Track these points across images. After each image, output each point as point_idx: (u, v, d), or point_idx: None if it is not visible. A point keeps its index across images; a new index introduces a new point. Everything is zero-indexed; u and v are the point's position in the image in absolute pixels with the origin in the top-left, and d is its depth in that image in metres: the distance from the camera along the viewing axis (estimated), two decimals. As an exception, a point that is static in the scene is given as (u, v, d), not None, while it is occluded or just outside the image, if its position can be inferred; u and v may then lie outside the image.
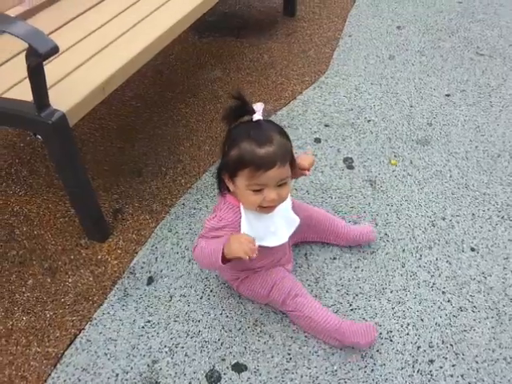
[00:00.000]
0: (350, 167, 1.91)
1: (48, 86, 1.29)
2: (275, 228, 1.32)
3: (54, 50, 1.20)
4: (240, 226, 1.25)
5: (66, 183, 1.52)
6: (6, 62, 1.52)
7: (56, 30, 1.67)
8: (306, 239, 1.59)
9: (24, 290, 1.52)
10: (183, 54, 2.59)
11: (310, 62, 2.51)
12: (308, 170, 1.37)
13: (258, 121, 1.16)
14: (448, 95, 2.28)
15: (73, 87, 1.42)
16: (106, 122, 2.15)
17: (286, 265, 1.46)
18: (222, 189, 1.28)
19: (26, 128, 1.60)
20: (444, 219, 1.70)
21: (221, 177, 1.25)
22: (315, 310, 1.33)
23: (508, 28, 2.76)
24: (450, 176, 1.87)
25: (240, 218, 1.25)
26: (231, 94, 1.15)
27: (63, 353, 1.36)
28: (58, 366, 1.33)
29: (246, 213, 1.26)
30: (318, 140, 2.04)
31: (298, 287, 1.38)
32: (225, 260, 1.21)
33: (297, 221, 1.39)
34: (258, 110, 1.16)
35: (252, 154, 1.12)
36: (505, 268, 1.55)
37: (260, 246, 1.26)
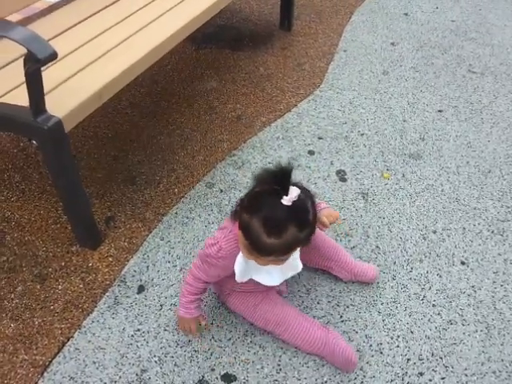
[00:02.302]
0: (343, 180, 1.92)
1: (45, 92, 1.29)
2: (271, 269, 1.26)
3: (53, 56, 1.20)
4: (235, 259, 1.23)
5: (60, 189, 1.51)
6: (5, 66, 1.53)
7: (55, 36, 1.68)
8: (306, 263, 1.50)
9: (13, 296, 1.50)
10: (180, 64, 2.61)
11: (305, 76, 2.54)
12: (327, 227, 1.31)
13: (283, 205, 1.05)
14: (440, 111, 2.31)
15: (69, 93, 1.42)
16: (100, 129, 2.16)
17: (279, 287, 1.44)
18: (236, 216, 1.19)
19: (22, 133, 1.59)
20: (435, 232, 1.72)
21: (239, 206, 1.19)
22: (296, 337, 1.33)
23: (500, 47, 2.81)
24: (442, 190, 1.89)
25: (238, 251, 1.21)
26: (282, 164, 1.06)
27: (51, 361, 1.35)
28: (45, 374, 1.32)
29: None
30: (311, 152, 2.05)
31: (281, 314, 1.34)
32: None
33: (299, 267, 1.33)
34: (291, 196, 1.04)
35: (256, 237, 1.08)
36: (494, 282, 1.56)
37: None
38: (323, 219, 1.30)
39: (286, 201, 1.04)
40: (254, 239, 1.09)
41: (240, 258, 1.22)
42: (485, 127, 2.22)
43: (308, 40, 2.85)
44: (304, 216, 1.10)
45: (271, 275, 1.30)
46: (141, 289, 1.52)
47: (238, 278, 1.27)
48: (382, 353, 1.37)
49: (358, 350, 1.37)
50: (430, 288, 1.54)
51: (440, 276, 1.57)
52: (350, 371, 1.32)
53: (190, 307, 1.33)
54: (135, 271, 1.57)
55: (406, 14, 3.13)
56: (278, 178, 1.05)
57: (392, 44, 2.82)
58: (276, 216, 1.06)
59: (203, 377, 1.31)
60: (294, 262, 1.31)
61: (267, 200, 1.08)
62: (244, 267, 1.24)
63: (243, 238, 1.12)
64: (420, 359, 1.36)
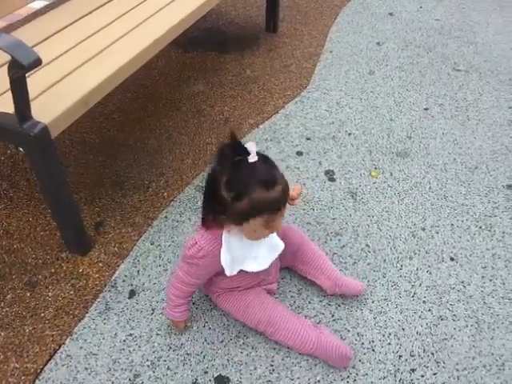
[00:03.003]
0: (332, 179, 1.93)
1: (30, 98, 1.28)
2: (256, 254, 1.30)
3: (37, 63, 1.20)
4: (219, 254, 1.23)
5: (48, 196, 1.50)
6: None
7: (40, 42, 1.68)
8: (293, 267, 1.55)
9: (3, 304, 1.49)
10: (166, 68, 2.61)
11: (292, 77, 2.55)
12: (296, 199, 1.36)
13: (255, 163, 1.10)
14: (426, 109, 2.33)
15: (55, 99, 1.42)
16: (88, 135, 2.15)
17: (270, 285, 1.45)
18: (207, 225, 1.22)
19: (8, 140, 1.58)
20: (424, 230, 1.73)
21: (207, 214, 1.21)
22: (288, 337, 1.34)
23: (483, 45, 2.84)
24: (430, 187, 1.90)
25: (220, 246, 1.23)
26: (222, 142, 1.10)
27: (42, 368, 1.34)
28: (37, 381, 1.31)
29: (229, 241, 1.23)
30: (299, 153, 2.06)
31: (272, 314, 1.35)
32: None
33: (280, 246, 1.35)
34: (252, 151, 1.09)
35: (267, 201, 1.11)
36: (483, 277, 1.58)
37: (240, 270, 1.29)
38: (292, 193, 1.33)
39: (252, 158, 1.09)
40: (269, 206, 1.11)
41: (225, 255, 1.23)
42: (470, 124, 2.24)
43: (294, 42, 2.86)
44: (271, 161, 1.17)
45: (258, 260, 1.31)
46: (132, 293, 1.52)
47: (228, 273, 1.28)
48: (374, 350, 1.38)
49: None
50: (420, 285, 1.55)
51: (430, 273, 1.59)
52: (346, 367, 1.33)
53: (176, 311, 1.34)
54: (126, 276, 1.57)
55: (390, 14, 3.16)
56: (231, 152, 1.09)
57: (377, 44, 2.84)
58: (261, 173, 1.11)
59: (196, 380, 1.31)
60: (274, 240, 1.34)
61: (243, 174, 1.10)
62: (230, 261, 1.25)
63: (260, 220, 1.13)
64: (412, 355, 1.37)
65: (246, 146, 1.10)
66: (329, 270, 1.48)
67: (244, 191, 1.10)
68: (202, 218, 1.24)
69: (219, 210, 1.16)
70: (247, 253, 1.28)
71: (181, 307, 1.34)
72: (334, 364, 1.32)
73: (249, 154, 1.09)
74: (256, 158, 1.10)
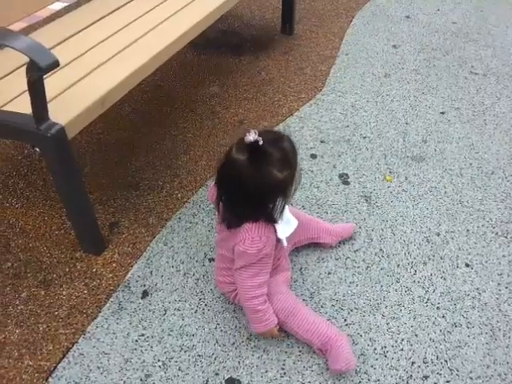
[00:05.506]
0: (346, 183, 1.92)
1: (48, 99, 1.30)
2: (286, 217, 1.34)
3: (55, 65, 1.21)
4: (273, 232, 1.28)
5: (63, 196, 1.52)
6: (7, 75, 1.54)
7: (57, 44, 1.70)
8: (298, 243, 1.59)
9: (18, 302, 1.51)
10: (182, 69, 2.62)
11: (307, 80, 2.54)
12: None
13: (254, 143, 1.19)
14: (443, 113, 2.31)
15: (72, 101, 1.44)
16: (104, 136, 2.17)
17: (286, 272, 1.46)
18: (248, 220, 1.25)
19: (25, 140, 1.61)
20: (439, 235, 1.71)
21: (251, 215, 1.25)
22: (302, 332, 1.34)
23: (501, 48, 2.81)
24: (445, 192, 1.88)
25: (269, 227, 1.26)
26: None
27: (55, 366, 1.35)
28: (50, 379, 1.32)
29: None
30: (313, 156, 2.05)
31: (292, 305, 1.36)
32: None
33: (294, 223, 1.37)
34: (248, 137, 1.20)
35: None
36: (499, 284, 1.55)
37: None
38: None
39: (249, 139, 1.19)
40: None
41: (280, 228, 1.29)
42: (488, 128, 2.21)
43: (309, 44, 2.86)
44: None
45: (288, 223, 1.36)
46: (145, 294, 1.53)
47: (285, 243, 1.35)
48: (386, 356, 1.36)
49: (362, 354, 1.37)
50: (434, 291, 1.53)
51: (444, 279, 1.57)
52: (338, 372, 1.31)
53: (268, 318, 1.31)
54: (139, 276, 1.58)
55: (407, 17, 3.13)
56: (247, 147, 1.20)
57: (394, 46, 2.82)
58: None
59: (207, 381, 1.31)
60: (290, 218, 1.37)
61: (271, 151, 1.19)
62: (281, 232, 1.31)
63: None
64: (425, 362, 1.35)
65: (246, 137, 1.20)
66: (322, 225, 1.61)
67: (294, 159, 1.24)
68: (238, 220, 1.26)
69: (268, 200, 1.22)
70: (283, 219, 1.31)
71: (269, 311, 1.32)
72: (335, 363, 1.29)
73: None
74: (251, 139, 1.18)
